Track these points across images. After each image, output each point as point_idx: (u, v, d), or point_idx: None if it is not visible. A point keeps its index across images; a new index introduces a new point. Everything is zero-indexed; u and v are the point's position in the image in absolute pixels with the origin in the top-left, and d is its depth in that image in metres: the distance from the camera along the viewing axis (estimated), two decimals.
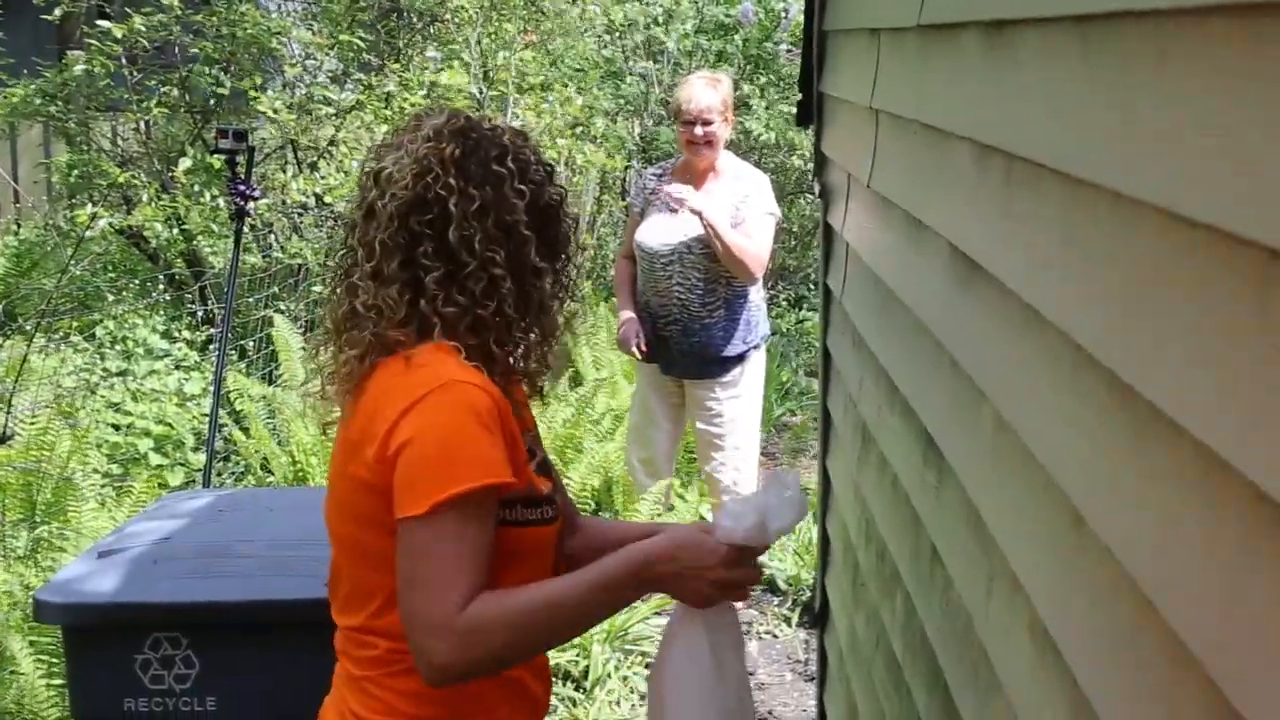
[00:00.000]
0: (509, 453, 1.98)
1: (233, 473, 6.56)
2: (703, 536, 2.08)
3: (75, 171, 8.46)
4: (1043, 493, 1.54)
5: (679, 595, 2.06)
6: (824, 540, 3.95)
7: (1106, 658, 1.33)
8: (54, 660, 4.02)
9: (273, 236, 8.68)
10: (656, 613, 5.43)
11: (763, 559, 5.97)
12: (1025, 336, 1.64)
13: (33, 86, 8.17)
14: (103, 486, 5.64)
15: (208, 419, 5.77)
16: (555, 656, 4.97)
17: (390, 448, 1.95)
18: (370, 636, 2.09)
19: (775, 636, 5.56)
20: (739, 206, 5.40)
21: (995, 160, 1.78)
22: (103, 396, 6.73)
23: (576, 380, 7.63)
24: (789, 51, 9.61)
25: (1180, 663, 1.11)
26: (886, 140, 2.74)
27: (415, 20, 8.89)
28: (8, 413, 4.62)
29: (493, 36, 8.69)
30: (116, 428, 6.48)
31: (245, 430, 6.54)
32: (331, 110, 8.02)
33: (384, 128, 7.81)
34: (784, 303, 10.55)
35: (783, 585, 5.91)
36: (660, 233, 5.47)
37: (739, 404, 5.61)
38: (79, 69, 7.84)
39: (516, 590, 1.96)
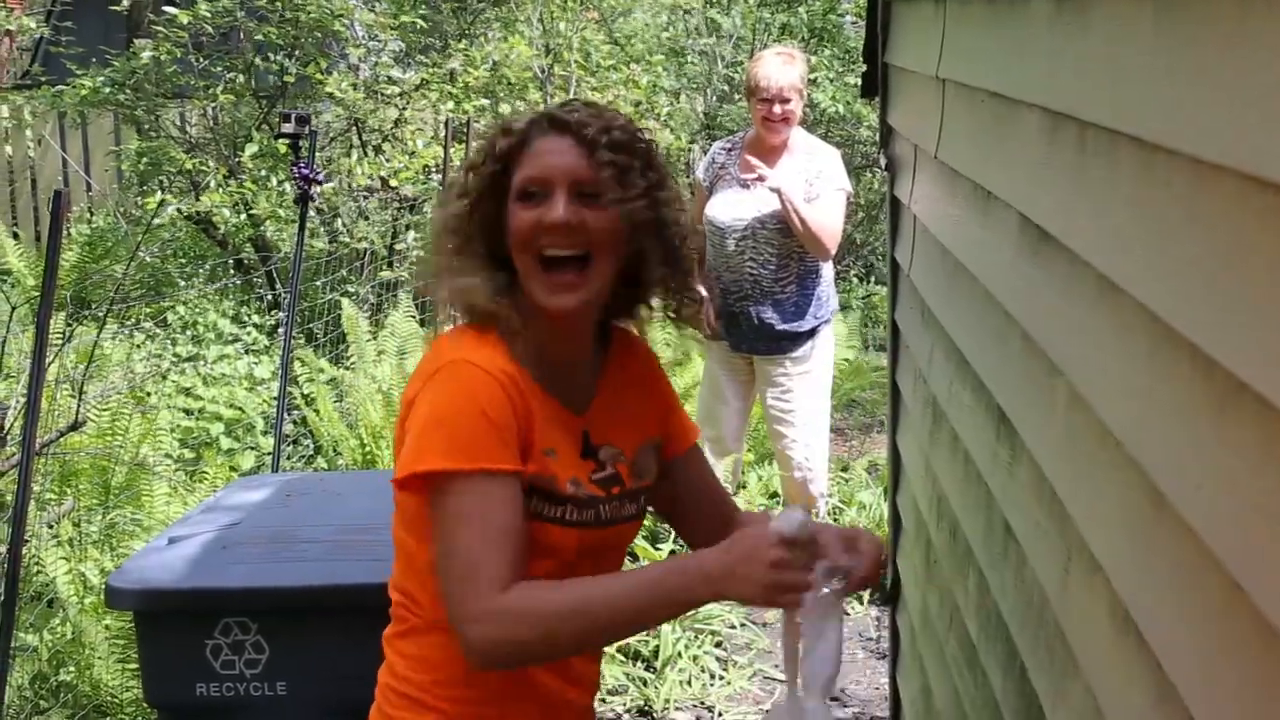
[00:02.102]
0: (514, 440, 1.95)
1: (302, 455, 6.60)
2: (752, 532, 1.96)
3: (144, 159, 8.55)
4: (1120, 469, 1.50)
5: (739, 593, 1.97)
6: (895, 517, 3.90)
7: (1192, 642, 1.28)
8: (128, 645, 4.06)
9: (339, 220, 8.73)
10: None
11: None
12: (1099, 308, 1.59)
13: (102, 76, 8.25)
14: (175, 471, 5.69)
15: (276, 402, 5.80)
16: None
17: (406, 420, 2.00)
18: (393, 592, 2.12)
19: (847, 614, 5.52)
20: (812, 182, 5.35)
21: (1067, 128, 1.73)
22: (174, 381, 6.80)
23: None
24: (854, 23, 9.52)
25: (1272, 648, 1.06)
26: (953, 110, 2.68)
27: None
28: (80, 399, 4.66)
29: (555, 14, 8.66)
30: (188, 412, 6.54)
31: (315, 412, 6.58)
32: (396, 90, 8.03)
33: (449, 105, 7.82)
34: (853, 277, 10.48)
35: None
36: (732, 208, 5.42)
37: (809, 379, 5.56)
38: (146, 56, 7.91)
39: (559, 583, 1.92)
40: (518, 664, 1.97)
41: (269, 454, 6.10)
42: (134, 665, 3.98)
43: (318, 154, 7.80)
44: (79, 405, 4.44)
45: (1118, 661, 1.53)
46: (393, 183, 7.94)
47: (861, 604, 5.57)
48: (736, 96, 10.50)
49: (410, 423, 1.97)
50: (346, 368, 7.14)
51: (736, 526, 2.24)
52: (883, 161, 3.88)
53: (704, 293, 5.76)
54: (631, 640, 4.98)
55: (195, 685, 3.02)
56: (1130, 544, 1.49)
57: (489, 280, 2.03)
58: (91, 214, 11.67)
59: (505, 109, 8.04)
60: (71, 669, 4.18)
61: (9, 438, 4.28)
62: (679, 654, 4.98)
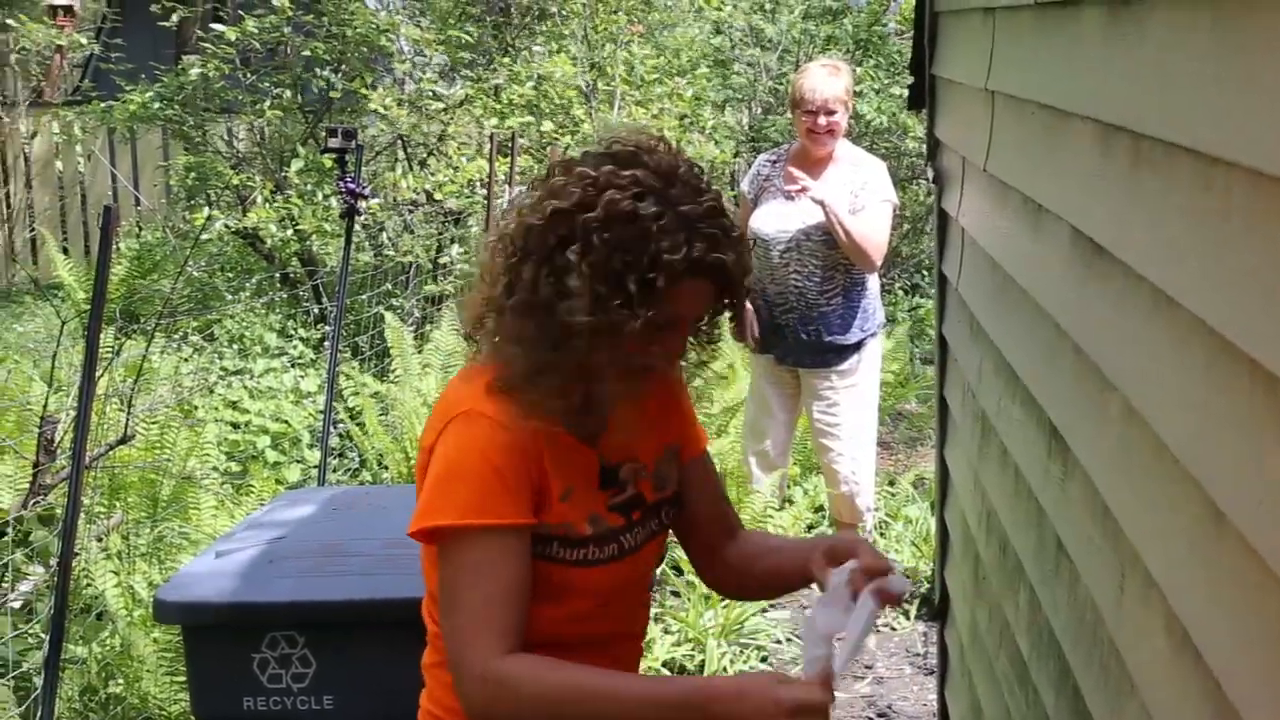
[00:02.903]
0: (526, 492, 1.95)
1: (348, 469, 6.62)
2: (773, 686, 1.89)
3: (192, 174, 8.62)
4: (1177, 484, 1.47)
5: None
6: (942, 531, 3.87)
7: (1253, 662, 1.26)
8: (176, 658, 4.08)
9: (384, 234, 8.77)
10: (772, 605, 5.39)
11: (879, 549, 5.91)
12: (1155, 321, 1.57)
13: (150, 92, 8.33)
14: (222, 484, 5.72)
15: (322, 415, 5.83)
16: (669, 651, 4.95)
17: (428, 455, 2.02)
18: (428, 619, 2.15)
19: (893, 629, 5.49)
20: (857, 194, 5.34)
21: (1120, 140, 1.71)
22: (221, 395, 6.84)
23: (690, 375, 7.58)
24: (899, 33, 9.49)
25: None
26: (1003, 122, 2.66)
27: (523, 14, 8.91)
28: (129, 413, 4.70)
29: (599, 29, 8.68)
30: (235, 426, 6.58)
31: (360, 426, 6.60)
32: (441, 105, 8.06)
33: (493, 121, 7.84)
34: (899, 290, 10.43)
35: (902, 577, 5.82)
36: (777, 220, 5.41)
37: (856, 392, 5.54)
38: (194, 72, 7.99)
39: (564, 665, 1.92)
40: None
41: (315, 467, 6.13)
42: (182, 679, 3.99)
43: (363, 169, 7.86)
44: (127, 419, 4.47)
45: (1175, 681, 1.50)
46: (437, 196, 7.97)
47: (908, 619, 5.53)
48: (781, 109, 10.50)
49: (426, 474, 1.99)
50: (392, 381, 7.16)
51: (738, 543, 2.26)
52: (930, 174, 3.86)
53: (748, 308, 5.74)
54: (677, 655, 4.97)
55: (242, 699, 3.04)
56: (1188, 561, 1.46)
57: (558, 370, 1.98)
58: (140, 229, 11.77)
59: (548, 125, 8.06)
60: (120, 682, 4.20)
61: (59, 451, 4.31)
62: (724, 669, 4.96)
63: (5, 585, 4.40)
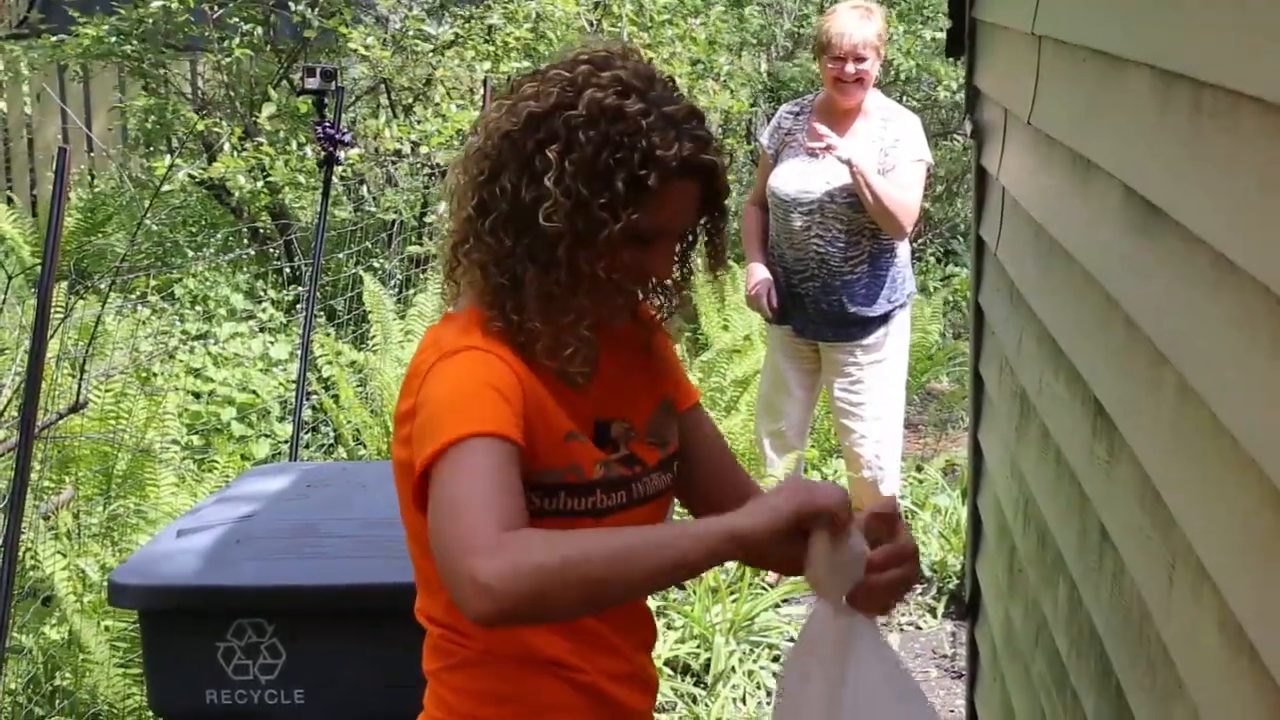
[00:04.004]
0: (521, 418, 1.95)
1: (322, 445, 6.65)
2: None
3: (152, 117, 8.60)
4: (1235, 470, 1.49)
5: (766, 520, 1.86)
6: (975, 521, 3.90)
7: None
8: (131, 648, 4.10)
9: (365, 188, 8.76)
10: (785, 600, 5.42)
11: None
12: (1215, 291, 1.59)
13: (106, 25, 8.31)
14: (183, 460, 5.74)
15: (295, 386, 5.85)
16: (673, 649, 4.98)
17: (408, 423, 1.99)
18: (427, 622, 2.14)
19: (919, 628, 5.52)
20: (888, 152, 5.33)
21: (1180, 89, 1.72)
22: (182, 361, 6.85)
23: (700, 346, 7.60)
24: None
25: None
26: (1050, 70, 2.67)
27: None
28: (80, 379, 4.71)
29: None
30: (197, 396, 6.59)
31: (335, 398, 6.62)
32: (429, 47, 8.06)
33: (485, 65, 7.83)
34: (930, 257, 10.44)
35: (927, 572, 5.86)
36: (798, 179, 5.41)
37: (881, 369, 5.55)
38: (156, 4, 7.96)
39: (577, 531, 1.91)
40: (534, 602, 1.77)
41: (285, 442, 6.15)
42: (137, 670, 4.02)
43: (343, 114, 7.85)
44: (79, 385, 4.49)
45: (1228, 681, 1.52)
46: (423, 148, 7.97)
47: (935, 618, 5.56)
48: (802, 54, 10.47)
49: (420, 418, 1.96)
50: (370, 350, 7.18)
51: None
52: (967, 128, 3.87)
53: (764, 271, 5.75)
54: (680, 652, 4.99)
55: (205, 691, 3.06)
56: (1245, 552, 1.48)
57: (544, 289, 2.01)
58: (93, 177, 11.76)
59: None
60: (68, 674, 4.23)
61: (3, 420, 4.33)
62: (733, 669, 4.99)
63: None
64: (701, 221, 2.10)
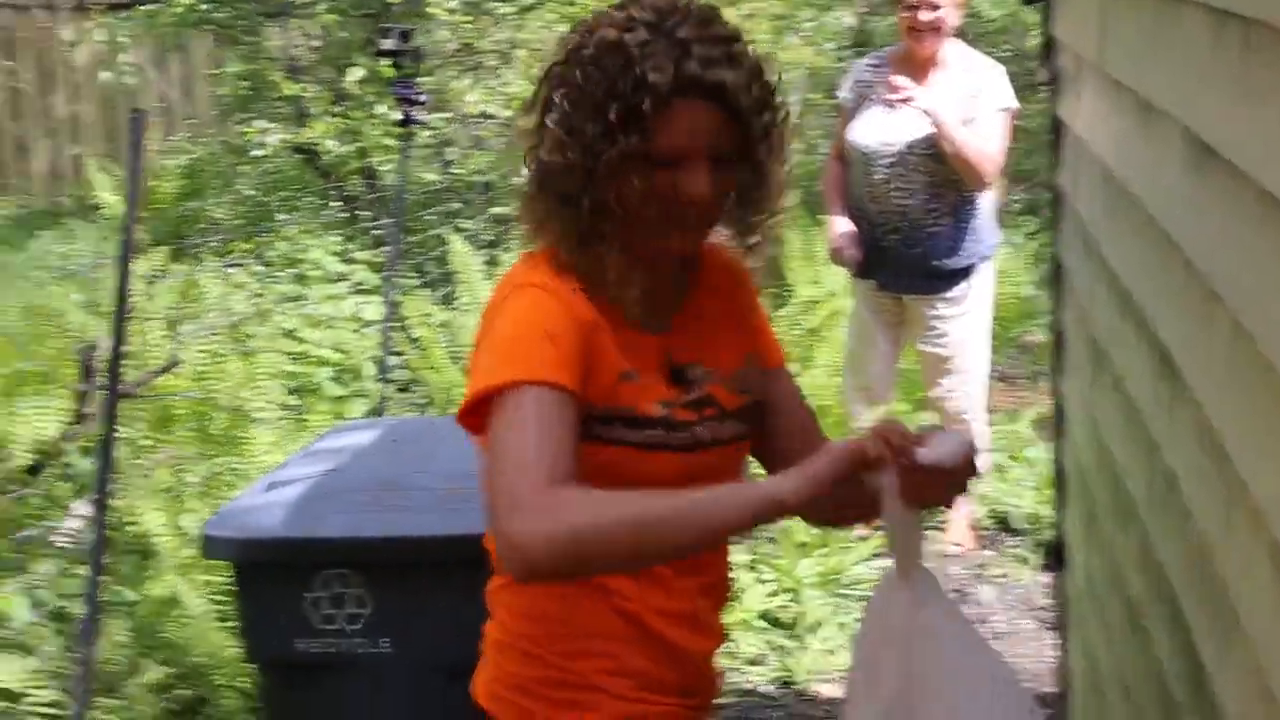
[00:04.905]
0: (578, 362, 2.00)
1: (414, 403, 6.72)
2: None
3: (245, 83, 8.70)
4: None
5: (809, 481, 1.89)
6: (1059, 472, 3.89)
7: None
8: (228, 601, 4.20)
9: (452, 150, 8.80)
10: (875, 554, 5.43)
11: (997, 493, 5.88)
12: (1265, 230, 1.59)
13: None
14: (279, 420, 5.83)
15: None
16: (764, 601, 5.02)
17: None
18: (489, 545, 2.16)
19: (1012, 580, 5.50)
20: (969, 102, 5.30)
21: (1231, 26, 1.72)
22: (276, 323, 6.95)
23: (781, 299, 7.59)
24: None
25: None
26: (1117, 13, 2.66)
27: None
28: (174, 339, 4.82)
29: None
30: (292, 356, 6.69)
31: (424, 357, 6.69)
32: (511, 9, 8.08)
33: (566, 28, 7.84)
34: (1018, 208, 10.33)
35: (1020, 523, 5.85)
36: (878, 131, 5.39)
37: (966, 321, 5.53)
38: None
39: (622, 493, 1.94)
40: (571, 563, 1.86)
41: (379, 400, 6.23)
42: (233, 623, 4.12)
43: (429, 77, 7.89)
44: (173, 345, 4.59)
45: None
46: (507, 112, 8.00)
47: (1030, 569, 5.54)
48: (889, 8, 10.36)
49: (478, 349, 2.07)
50: (460, 310, 7.24)
51: None
52: (1043, 76, 3.85)
53: (847, 225, 5.70)
54: (772, 605, 5.03)
55: (294, 641, 3.13)
56: None
57: (573, 223, 2.07)
58: (192, 144, 11.92)
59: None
60: (171, 625, 4.34)
61: (98, 379, 4.44)
62: (823, 621, 5.01)
63: (51, 523, 4.54)
64: (741, 141, 2.07)
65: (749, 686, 4.74)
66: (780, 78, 2.13)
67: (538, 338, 1.99)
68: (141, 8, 9.24)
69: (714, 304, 2.24)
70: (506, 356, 2.00)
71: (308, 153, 8.52)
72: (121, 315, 3.22)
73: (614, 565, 1.97)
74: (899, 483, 1.90)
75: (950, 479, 1.93)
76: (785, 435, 2.30)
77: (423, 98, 5.41)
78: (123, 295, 3.22)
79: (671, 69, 1.99)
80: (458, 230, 7.88)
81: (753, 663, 4.87)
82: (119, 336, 3.29)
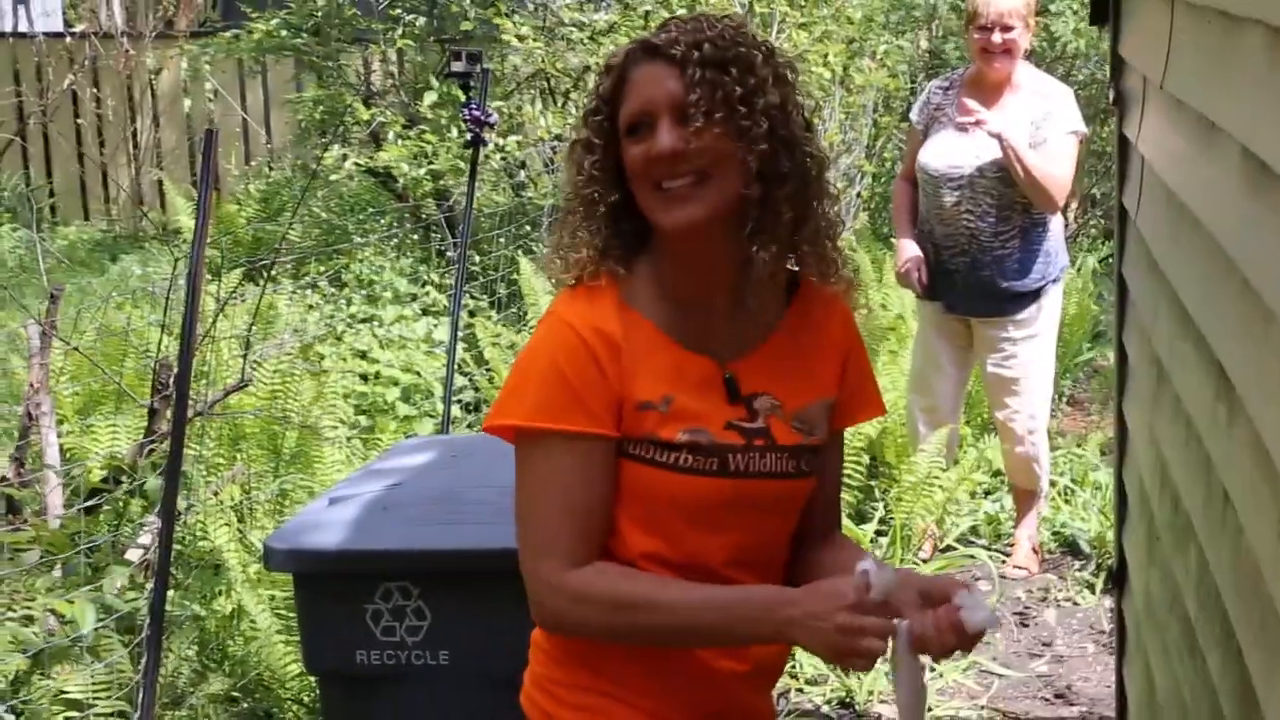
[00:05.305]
0: (600, 401, 2.08)
1: (480, 424, 6.75)
2: (836, 581, 2.02)
3: (321, 108, 8.81)
4: None
5: (804, 644, 2.04)
6: (1120, 492, 3.86)
7: None
8: (292, 615, 4.24)
9: (524, 173, 8.86)
10: (943, 570, 5.41)
11: (1063, 517, 5.84)
12: None
13: (276, 19, 8.53)
14: (349, 439, 5.89)
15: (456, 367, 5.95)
16: None
17: None
18: None
19: (1076, 604, 5.47)
20: (1039, 125, 5.28)
21: None
22: (348, 343, 7.02)
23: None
24: None
25: None
26: (1181, 33, 2.64)
27: None
28: (245, 358, 4.87)
29: None
30: (364, 377, 6.75)
31: (492, 379, 6.73)
32: (584, 34, 8.13)
33: None
34: (1092, 231, 10.26)
35: (1085, 547, 5.80)
36: (948, 154, 5.38)
37: (1034, 344, 5.50)
38: None
39: (637, 575, 2.10)
40: (583, 636, 2.15)
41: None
42: (297, 637, 4.15)
43: (503, 102, 7.95)
44: (244, 364, 4.64)
45: None
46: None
47: (1093, 593, 5.49)
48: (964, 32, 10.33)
49: (508, 374, 2.20)
50: (527, 330, 7.28)
51: (832, 547, 2.29)
52: (1110, 96, 3.83)
53: (914, 248, 5.71)
54: None
55: (355, 652, 3.15)
56: None
57: (599, 228, 2.14)
58: (270, 168, 12.06)
59: None
60: (237, 638, 4.38)
61: (173, 397, 4.49)
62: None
63: (123, 538, 4.59)
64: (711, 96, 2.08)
65: (809, 707, 4.72)
66: (784, 61, 2.16)
67: (556, 380, 2.08)
68: (223, 35, 9.37)
69: (804, 338, 2.24)
70: (526, 396, 2.11)
71: (382, 176, 8.60)
72: (190, 332, 3.25)
73: (621, 642, 2.16)
74: (915, 636, 2.00)
75: (970, 641, 2.02)
76: (808, 501, 2.30)
77: (492, 119, 5.43)
78: (192, 312, 3.26)
79: (626, 47, 2.14)
80: (527, 253, 7.92)
81: (812, 683, 4.84)
82: (187, 353, 3.32)
